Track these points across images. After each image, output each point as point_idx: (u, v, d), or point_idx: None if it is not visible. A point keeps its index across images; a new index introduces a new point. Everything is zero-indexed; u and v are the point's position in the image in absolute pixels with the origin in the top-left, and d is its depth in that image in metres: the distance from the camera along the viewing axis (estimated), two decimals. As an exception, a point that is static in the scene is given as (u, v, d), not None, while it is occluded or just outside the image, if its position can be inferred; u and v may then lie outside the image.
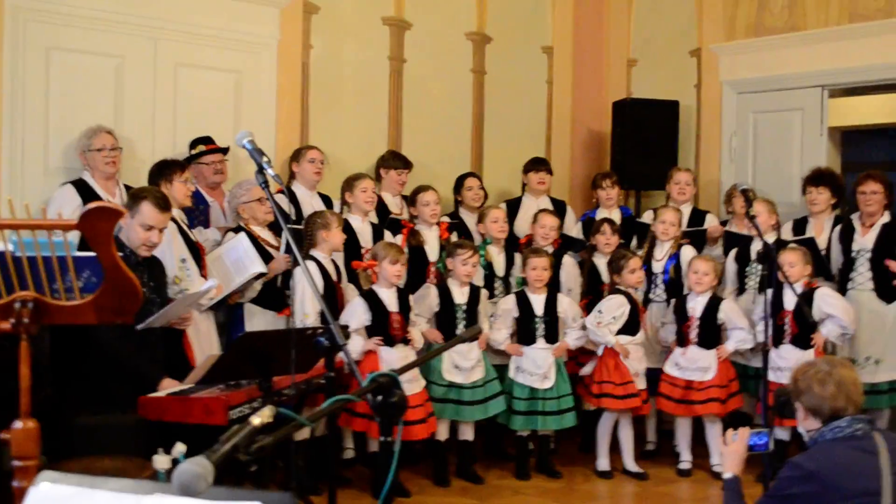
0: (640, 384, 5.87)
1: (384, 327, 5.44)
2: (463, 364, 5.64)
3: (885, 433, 3.13)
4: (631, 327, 5.89)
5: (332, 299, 5.38)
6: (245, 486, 1.79)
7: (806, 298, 5.68)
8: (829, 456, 3.05)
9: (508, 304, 5.90)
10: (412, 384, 5.36)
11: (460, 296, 5.76)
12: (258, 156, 3.12)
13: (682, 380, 5.88)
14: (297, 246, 3.05)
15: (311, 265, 5.29)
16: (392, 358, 5.39)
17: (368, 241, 5.90)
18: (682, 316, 5.98)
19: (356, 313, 5.42)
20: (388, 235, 6.01)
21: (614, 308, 5.84)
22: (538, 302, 5.87)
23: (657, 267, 6.32)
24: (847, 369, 3.21)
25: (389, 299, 5.49)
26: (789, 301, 5.72)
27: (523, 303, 5.86)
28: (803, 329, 5.70)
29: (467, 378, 5.66)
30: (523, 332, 5.86)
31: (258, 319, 5.42)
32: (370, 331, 5.44)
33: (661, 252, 6.35)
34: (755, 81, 7.57)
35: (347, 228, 5.74)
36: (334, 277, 5.45)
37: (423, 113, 7.17)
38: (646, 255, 6.33)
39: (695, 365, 5.86)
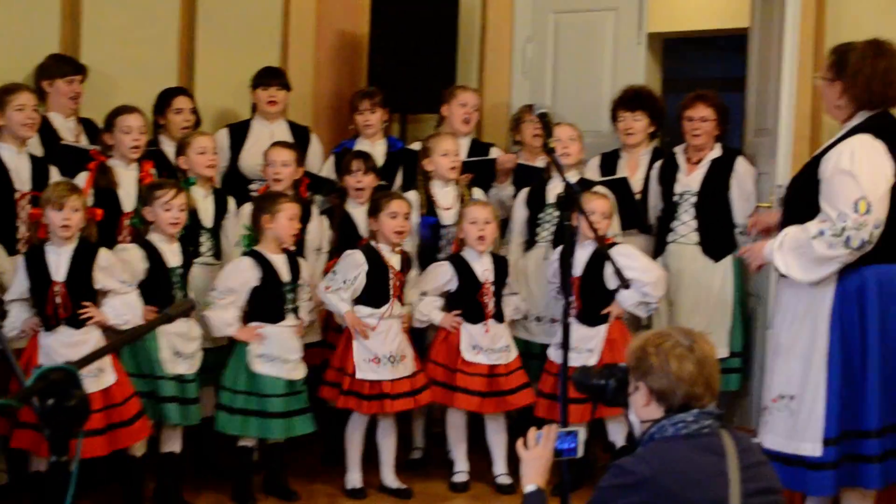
0: (393, 371, 5.88)
1: (45, 300, 5.28)
2: (185, 349, 5.60)
3: (733, 432, 3.25)
4: (377, 295, 5.92)
5: None
6: None
7: (598, 258, 5.86)
8: (668, 458, 3.13)
9: (244, 270, 5.77)
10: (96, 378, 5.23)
11: (172, 256, 5.66)
12: None
13: (485, 365, 6.01)
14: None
15: None
16: (57, 344, 5.27)
17: (26, 183, 5.75)
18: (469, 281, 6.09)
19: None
20: (55, 173, 5.84)
21: (349, 269, 5.89)
22: (282, 265, 5.83)
23: (446, 217, 6.34)
24: (710, 346, 3.30)
25: (57, 263, 5.32)
26: (579, 263, 5.92)
27: (263, 267, 5.78)
28: (590, 300, 5.93)
29: (191, 367, 5.65)
30: (265, 308, 5.79)
31: None
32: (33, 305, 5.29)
33: (446, 198, 6.38)
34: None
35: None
36: None
37: (109, 4, 6.94)
38: (425, 201, 6.34)
39: (498, 344, 6.06)
